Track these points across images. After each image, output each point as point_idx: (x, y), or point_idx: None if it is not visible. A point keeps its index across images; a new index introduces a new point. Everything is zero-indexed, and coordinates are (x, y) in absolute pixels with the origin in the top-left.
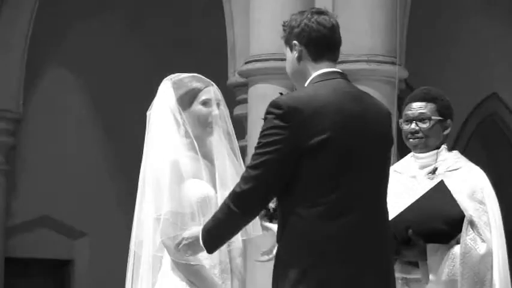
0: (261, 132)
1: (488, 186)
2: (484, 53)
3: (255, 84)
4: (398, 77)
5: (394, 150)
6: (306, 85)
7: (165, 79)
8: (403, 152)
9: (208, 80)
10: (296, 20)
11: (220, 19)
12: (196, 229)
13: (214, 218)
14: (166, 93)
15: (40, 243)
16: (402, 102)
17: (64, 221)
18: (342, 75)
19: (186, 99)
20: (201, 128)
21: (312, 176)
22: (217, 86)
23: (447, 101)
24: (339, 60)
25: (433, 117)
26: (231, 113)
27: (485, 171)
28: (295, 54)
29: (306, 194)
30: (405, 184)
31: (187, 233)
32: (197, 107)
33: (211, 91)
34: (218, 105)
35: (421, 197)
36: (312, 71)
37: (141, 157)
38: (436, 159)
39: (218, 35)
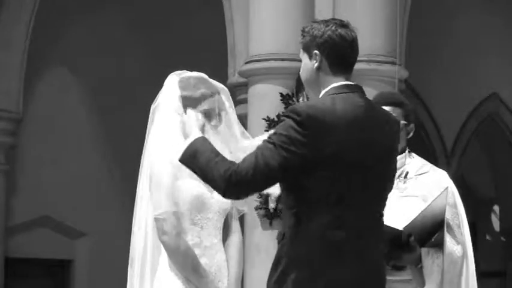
0: (277, 131)
1: (455, 188)
2: (484, 53)
3: (255, 84)
4: (398, 77)
5: None
6: (321, 95)
7: (172, 74)
8: None
9: (216, 85)
10: (320, 30)
11: (220, 19)
12: (194, 127)
13: (211, 157)
14: (171, 90)
15: (40, 243)
16: None
17: (64, 221)
18: (358, 88)
19: (189, 102)
20: None
21: (321, 187)
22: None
23: (411, 106)
24: None
25: (401, 122)
26: None
27: (485, 171)
28: (315, 63)
29: (314, 203)
30: None
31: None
32: (195, 113)
33: (215, 101)
34: (219, 115)
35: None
36: (329, 83)
37: (140, 157)
38: (404, 163)
39: (218, 35)
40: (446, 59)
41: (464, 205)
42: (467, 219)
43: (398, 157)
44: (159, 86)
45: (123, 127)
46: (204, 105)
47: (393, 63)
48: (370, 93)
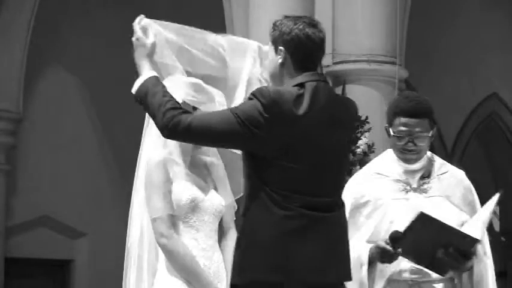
0: (242, 105)
1: (472, 186)
2: (484, 53)
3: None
4: (398, 77)
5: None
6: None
7: (172, 76)
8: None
9: (211, 92)
10: (288, 26)
11: (220, 19)
12: (148, 72)
13: (161, 99)
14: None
15: (40, 243)
16: None
17: (64, 221)
18: (321, 76)
19: (186, 107)
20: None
21: (275, 172)
22: (217, 86)
23: (431, 107)
24: (339, 60)
25: (429, 135)
26: None
27: (485, 171)
28: (279, 59)
29: (272, 183)
30: (395, 188)
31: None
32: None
33: (210, 109)
34: None
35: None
36: (291, 78)
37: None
38: (427, 164)
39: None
40: (446, 59)
41: None
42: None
43: (422, 159)
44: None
45: (123, 127)
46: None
47: (393, 63)
48: (371, 93)
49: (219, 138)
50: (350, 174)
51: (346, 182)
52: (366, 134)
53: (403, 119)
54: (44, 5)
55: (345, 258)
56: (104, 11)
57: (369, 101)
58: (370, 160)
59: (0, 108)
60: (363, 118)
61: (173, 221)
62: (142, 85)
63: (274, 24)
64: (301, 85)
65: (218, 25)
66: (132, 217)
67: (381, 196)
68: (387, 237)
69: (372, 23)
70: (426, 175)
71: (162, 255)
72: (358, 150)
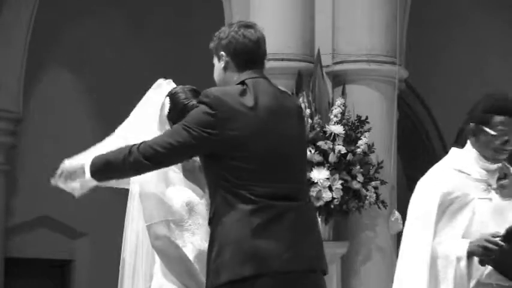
0: (192, 112)
1: None
2: (484, 53)
3: None
4: (398, 77)
5: (393, 149)
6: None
7: (161, 85)
8: (404, 152)
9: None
10: (224, 32)
11: (220, 19)
12: (77, 162)
13: (116, 151)
14: (160, 101)
15: (40, 243)
16: (402, 102)
17: (64, 221)
18: (261, 73)
19: (178, 114)
20: None
21: (232, 169)
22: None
23: None
24: (339, 60)
25: None
26: None
27: None
28: (222, 64)
29: (233, 180)
30: (478, 187)
31: (65, 164)
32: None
33: None
34: None
35: None
36: (234, 79)
37: None
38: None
39: None
40: (446, 59)
41: None
42: None
43: (496, 166)
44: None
45: None
46: None
47: (393, 63)
48: (371, 93)
49: (179, 152)
50: (350, 174)
51: (306, 171)
52: (366, 134)
53: (501, 118)
54: (44, 5)
55: (316, 246)
56: (104, 11)
57: (368, 101)
58: (370, 160)
59: (0, 108)
60: (363, 118)
61: (168, 225)
62: (92, 165)
63: (214, 36)
64: (242, 83)
65: (218, 25)
66: (127, 226)
67: (469, 193)
68: (482, 236)
69: (372, 23)
70: (502, 176)
71: (158, 260)
72: (358, 150)
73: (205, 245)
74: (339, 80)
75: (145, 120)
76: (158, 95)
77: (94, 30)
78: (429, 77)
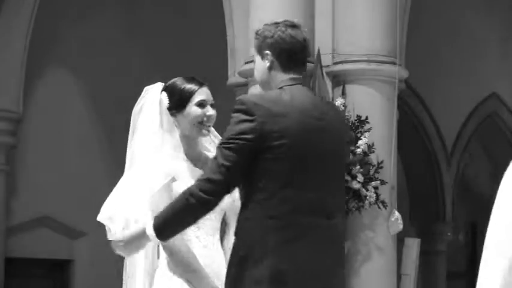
0: (229, 127)
1: None
2: (484, 53)
3: (255, 84)
4: (398, 77)
5: (393, 149)
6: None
7: (148, 89)
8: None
9: (201, 80)
10: (270, 31)
11: (220, 19)
12: (135, 227)
13: (174, 205)
14: (156, 98)
15: (40, 243)
16: (402, 102)
17: (64, 221)
18: (302, 81)
19: (180, 102)
20: (196, 129)
21: (269, 173)
22: (217, 86)
23: None
24: (339, 60)
25: None
26: (230, 112)
27: (485, 171)
28: (267, 63)
29: (262, 190)
30: None
31: (120, 237)
32: (192, 108)
33: (206, 92)
34: (212, 105)
35: None
36: (278, 80)
37: None
38: None
39: (218, 35)
40: (446, 59)
41: (464, 205)
42: (467, 219)
43: None
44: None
45: (122, 127)
46: (197, 97)
47: (393, 63)
48: (371, 93)
49: (236, 170)
50: (350, 174)
51: (342, 182)
52: (366, 134)
53: None
54: (44, 5)
55: (335, 269)
56: (103, 11)
57: (368, 101)
58: (370, 160)
59: (0, 108)
60: (363, 118)
61: None
62: (157, 229)
63: (256, 33)
64: (280, 88)
65: (218, 25)
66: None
67: None
68: None
69: (372, 23)
70: None
71: (162, 254)
72: (358, 150)
73: (210, 240)
74: (339, 80)
75: (144, 127)
76: (150, 96)
77: (93, 30)
78: (429, 77)
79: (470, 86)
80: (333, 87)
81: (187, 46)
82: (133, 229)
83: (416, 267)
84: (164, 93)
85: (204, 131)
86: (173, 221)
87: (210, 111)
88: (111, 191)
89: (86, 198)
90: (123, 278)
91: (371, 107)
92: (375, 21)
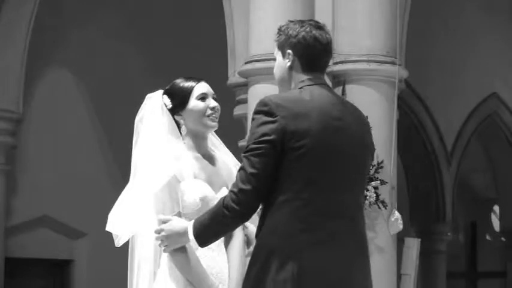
0: (251, 130)
1: None
2: (484, 53)
3: (255, 84)
4: (398, 77)
5: (393, 149)
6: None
7: (150, 96)
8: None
9: (199, 77)
10: (294, 30)
11: (220, 19)
12: (177, 223)
13: (212, 214)
14: (157, 104)
15: (40, 243)
16: (402, 102)
17: (64, 221)
18: (325, 83)
19: (182, 100)
20: (201, 123)
21: (291, 174)
22: (217, 86)
23: None
24: (339, 60)
25: None
26: (231, 113)
27: (485, 171)
28: (288, 62)
29: (285, 191)
30: None
31: (167, 226)
32: (194, 102)
33: (205, 86)
34: (215, 99)
35: None
36: (298, 80)
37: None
38: None
39: (218, 35)
40: (446, 59)
41: (464, 205)
42: (467, 219)
43: None
44: (159, 86)
45: (122, 127)
46: (197, 91)
47: (393, 63)
48: (371, 93)
49: (264, 175)
50: None
51: (364, 182)
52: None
53: None
54: (44, 5)
55: (363, 272)
56: (104, 11)
57: (369, 101)
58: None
59: (0, 108)
60: None
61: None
62: (196, 233)
63: (280, 29)
64: (300, 88)
65: (218, 25)
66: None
67: None
68: None
69: (371, 23)
70: None
71: (164, 255)
72: None
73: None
74: (339, 79)
75: (147, 133)
76: (152, 102)
77: (94, 31)
78: (429, 77)
79: (470, 86)
80: (333, 87)
81: (187, 46)
82: (176, 225)
83: (416, 267)
84: (165, 96)
85: (210, 123)
86: (211, 231)
87: (213, 102)
88: (111, 190)
89: (86, 198)
90: (128, 278)
91: (371, 107)
92: (375, 21)
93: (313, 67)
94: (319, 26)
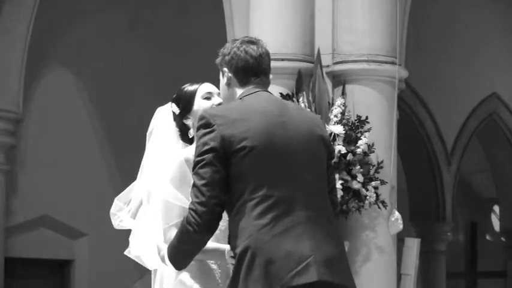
0: (196, 147)
1: None
2: (484, 53)
3: None
4: (398, 77)
5: (393, 149)
6: None
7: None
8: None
9: (202, 81)
10: (227, 48)
11: (220, 19)
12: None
13: (178, 236)
14: (168, 115)
15: (40, 243)
16: (402, 102)
17: (64, 221)
18: (265, 90)
19: (187, 102)
20: None
21: (240, 177)
22: (217, 85)
23: None
24: (339, 60)
25: None
26: None
27: (485, 171)
28: (225, 80)
29: (239, 195)
30: None
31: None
32: (199, 102)
33: (209, 85)
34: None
35: None
36: (238, 94)
37: (141, 157)
38: None
39: (218, 35)
40: (446, 59)
41: (464, 205)
42: (467, 219)
43: None
44: (159, 86)
45: (123, 127)
46: (201, 92)
47: (393, 63)
48: (371, 93)
49: (215, 187)
50: (350, 174)
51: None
52: (366, 134)
53: None
54: (44, 5)
55: (335, 258)
56: (103, 11)
57: (369, 101)
58: (370, 160)
59: (0, 108)
60: (363, 118)
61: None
62: (168, 254)
63: (219, 51)
64: (241, 98)
65: (218, 25)
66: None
67: None
68: None
69: (371, 22)
70: None
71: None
72: (358, 150)
73: (215, 245)
74: (339, 80)
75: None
76: (162, 114)
77: (94, 30)
78: (429, 77)
79: (470, 86)
80: (333, 87)
81: (187, 46)
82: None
83: (416, 267)
84: (173, 104)
85: None
86: (181, 252)
87: (218, 100)
88: (111, 191)
89: (86, 198)
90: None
91: (371, 107)
92: (375, 21)
93: (248, 80)
94: (251, 41)
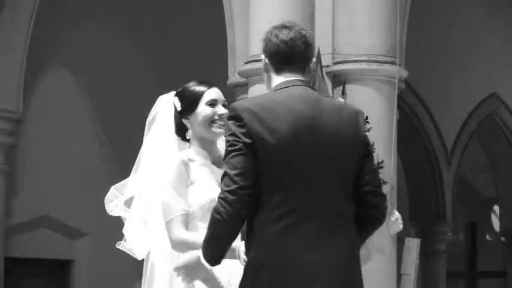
0: (226, 137)
1: None
2: (484, 53)
3: (255, 84)
4: (398, 77)
5: (393, 149)
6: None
7: (161, 98)
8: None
9: (211, 82)
10: (266, 34)
11: (220, 19)
12: (190, 255)
13: (209, 228)
14: (169, 105)
15: (40, 243)
16: (402, 102)
17: (64, 221)
18: (303, 82)
19: (191, 104)
20: (207, 129)
21: (262, 178)
22: (217, 85)
23: None
24: (339, 60)
25: None
26: None
27: (485, 171)
28: (263, 66)
29: (259, 196)
30: None
31: (180, 262)
32: (202, 107)
33: (216, 92)
34: (225, 106)
35: None
36: (274, 82)
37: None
38: None
39: (218, 35)
40: (446, 59)
41: (464, 205)
42: (467, 219)
43: None
44: (159, 86)
45: (122, 127)
46: (206, 97)
47: (393, 63)
48: (371, 93)
49: (246, 174)
50: None
51: (345, 196)
52: (366, 134)
53: None
54: (44, 6)
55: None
56: (104, 11)
57: (369, 101)
58: None
59: (0, 108)
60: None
61: (191, 220)
62: (205, 254)
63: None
64: (276, 91)
65: (218, 25)
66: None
67: None
68: None
69: (371, 23)
70: None
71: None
72: None
73: None
74: (339, 80)
75: (157, 133)
76: (164, 104)
77: (94, 31)
78: (429, 77)
79: (470, 86)
80: (333, 87)
81: (187, 46)
82: (188, 257)
83: (416, 267)
84: (176, 98)
85: (215, 129)
86: (213, 244)
87: (221, 109)
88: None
89: (86, 198)
90: (142, 280)
91: (371, 107)
92: (374, 21)
93: (282, 65)
94: (285, 26)
